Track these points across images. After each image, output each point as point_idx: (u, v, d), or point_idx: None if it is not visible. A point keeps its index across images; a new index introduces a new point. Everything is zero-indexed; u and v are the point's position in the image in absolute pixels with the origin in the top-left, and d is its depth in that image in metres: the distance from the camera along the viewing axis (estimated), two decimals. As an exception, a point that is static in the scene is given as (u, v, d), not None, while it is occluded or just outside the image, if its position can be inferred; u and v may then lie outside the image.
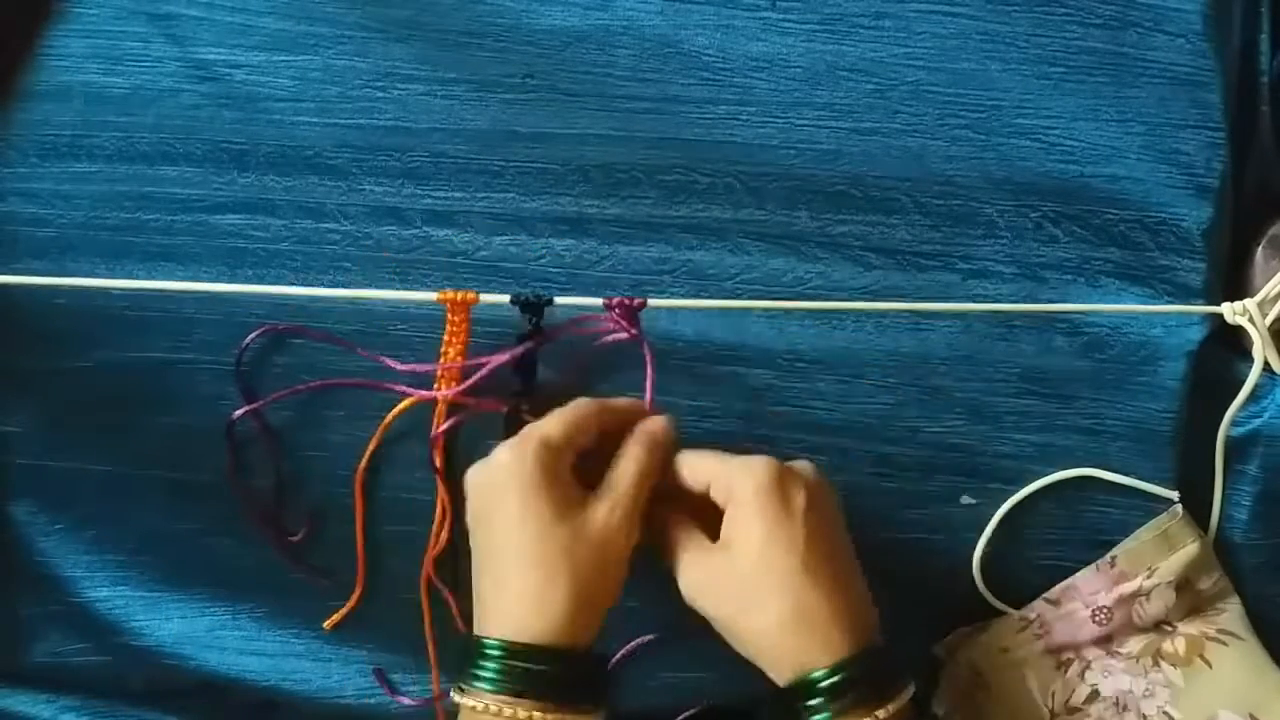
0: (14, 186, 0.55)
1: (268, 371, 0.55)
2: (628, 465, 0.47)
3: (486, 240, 0.54)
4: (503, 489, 0.45)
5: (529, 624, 0.44)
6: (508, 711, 0.42)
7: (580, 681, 0.45)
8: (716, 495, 0.46)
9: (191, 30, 0.54)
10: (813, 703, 0.43)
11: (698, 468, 0.47)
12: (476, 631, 0.45)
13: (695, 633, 0.56)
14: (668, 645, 0.56)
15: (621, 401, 0.50)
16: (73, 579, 0.57)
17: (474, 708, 0.43)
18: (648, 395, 0.50)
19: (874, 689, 0.43)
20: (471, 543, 0.47)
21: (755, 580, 0.44)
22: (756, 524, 0.44)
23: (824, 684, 0.42)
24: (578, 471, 0.47)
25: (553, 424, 0.47)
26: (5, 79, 0.55)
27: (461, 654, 0.45)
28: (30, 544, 0.57)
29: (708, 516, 0.47)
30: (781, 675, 0.44)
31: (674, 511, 0.48)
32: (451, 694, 0.45)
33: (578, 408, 0.48)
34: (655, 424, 0.49)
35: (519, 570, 0.44)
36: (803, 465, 0.47)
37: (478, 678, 0.43)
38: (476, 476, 0.47)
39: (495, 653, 0.43)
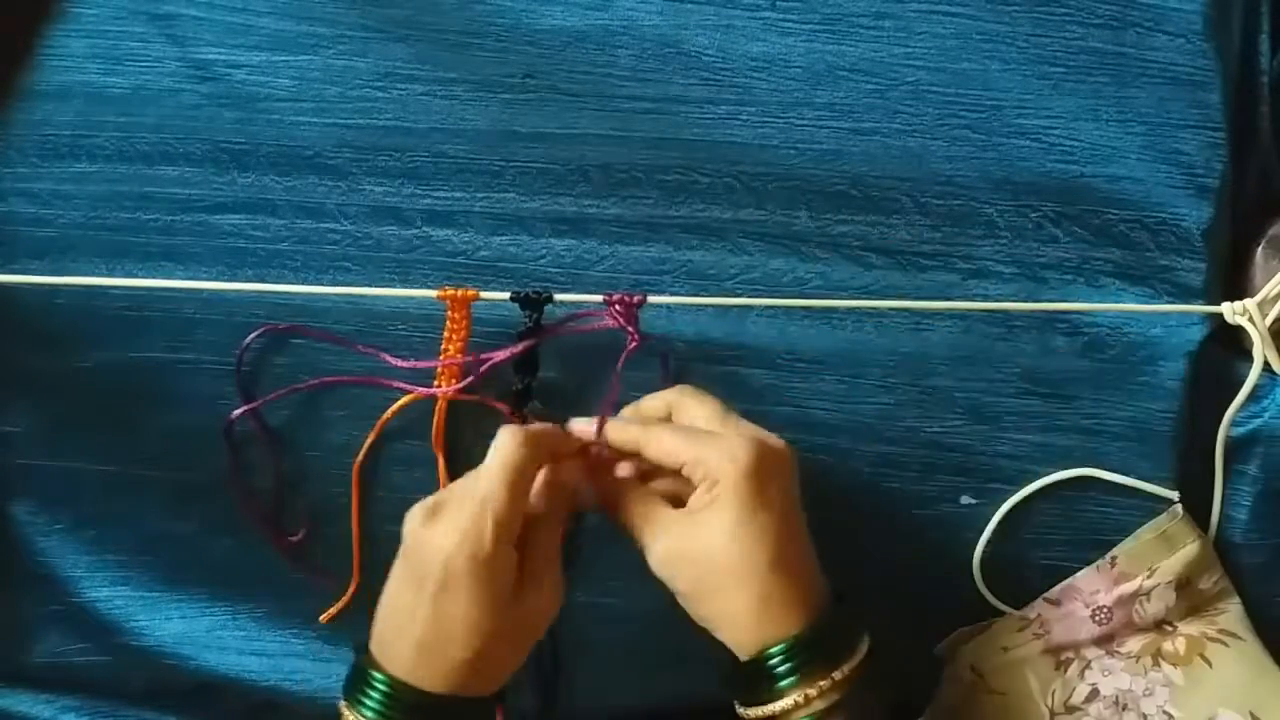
0: (14, 186, 0.55)
1: (268, 372, 0.55)
2: (551, 539, 0.47)
3: (486, 240, 0.54)
4: (448, 566, 0.43)
5: (429, 680, 0.44)
6: None
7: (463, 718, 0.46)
8: (689, 474, 0.46)
9: (191, 30, 0.54)
10: (777, 671, 0.44)
11: (673, 450, 0.46)
12: (375, 656, 0.45)
13: (678, 632, 0.56)
14: (652, 645, 0.56)
15: (552, 442, 0.48)
16: (73, 579, 0.57)
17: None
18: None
19: (828, 654, 0.44)
20: (393, 576, 0.46)
21: (725, 567, 0.45)
22: (731, 509, 0.44)
23: (784, 657, 0.44)
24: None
25: (501, 495, 0.44)
26: (5, 79, 0.55)
27: (354, 675, 0.45)
28: (30, 544, 0.57)
29: (672, 484, 0.48)
30: (743, 651, 0.45)
31: (640, 486, 0.48)
32: (341, 705, 0.45)
33: (518, 469, 0.45)
34: (566, 475, 0.48)
35: (441, 643, 0.44)
36: (775, 442, 0.47)
37: (363, 704, 0.44)
38: (426, 536, 0.44)
39: (383, 688, 0.44)
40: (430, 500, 0.45)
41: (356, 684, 0.45)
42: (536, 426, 0.48)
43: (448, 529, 0.44)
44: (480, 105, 0.54)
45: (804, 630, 0.44)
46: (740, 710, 0.46)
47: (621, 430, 0.48)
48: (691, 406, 0.48)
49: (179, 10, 0.55)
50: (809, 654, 0.44)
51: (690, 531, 0.45)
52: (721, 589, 0.45)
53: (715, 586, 0.45)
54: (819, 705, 0.43)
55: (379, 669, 0.44)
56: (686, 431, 0.47)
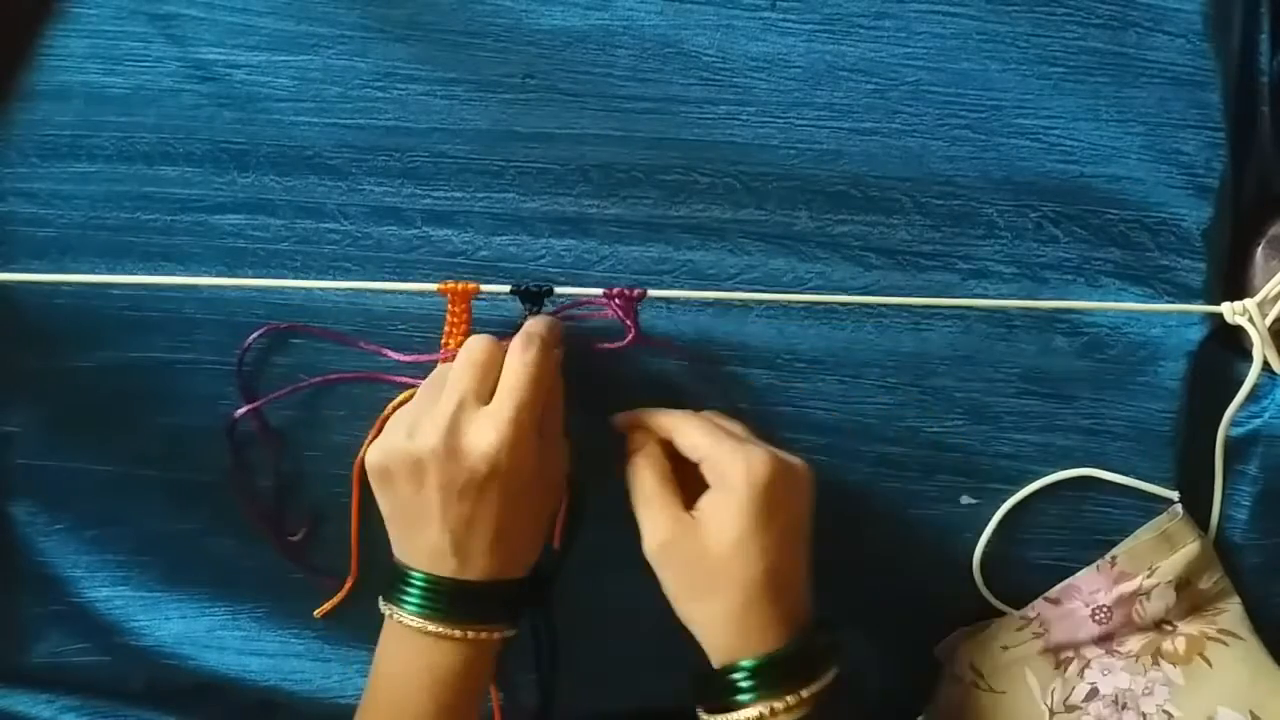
0: (14, 186, 0.55)
1: (268, 372, 0.55)
2: (557, 413, 0.50)
3: (486, 240, 0.54)
4: (494, 465, 0.45)
5: (468, 570, 0.46)
6: (430, 627, 0.46)
7: (503, 603, 0.48)
8: (706, 472, 0.47)
9: (191, 30, 0.54)
10: (740, 685, 0.45)
11: (697, 443, 0.48)
12: (405, 561, 0.47)
13: (677, 633, 0.56)
14: (650, 645, 0.56)
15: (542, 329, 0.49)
16: (73, 579, 0.57)
17: (396, 620, 0.47)
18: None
19: (795, 675, 0.45)
20: (391, 494, 0.47)
21: (718, 573, 0.45)
22: (737, 522, 0.45)
23: (750, 672, 0.45)
24: None
25: (532, 397, 0.46)
26: (5, 79, 0.54)
27: (390, 576, 0.48)
28: (30, 544, 0.57)
29: (687, 472, 0.48)
30: (716, 657, 0.46)
31: (662, 464, 0.48)
32: (380, 604, 0.48)
33: (543, 372, 0.47)
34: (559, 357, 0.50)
35: (480, 537, 0.46)
36: (797, 466, 0.48)
37: (403, 601, 0.47)
38: (465, 443, 0.45)
39: (419, 583, 0.47)
40: (443, 418, 0.46)
41: (396, 585, 0.47)
42: (541, 325, 0.49)
43: (484, 429, 0.45)
44: (480, 105, 0.54)
45: (777, 650, 0.45)
46: (701, 715, 0.47)
47: (655, 415, 0.50)
48: (724, 421, 0.50)
49: (179, 10, 0.55)
50: (776, 673, 0.45)
51: (694, 530, 0.46)
52: (710, 593, 0.46)
53: (705, 589, 0.46)
54: None
55: (408, 567, 0.47)
56: (715, 430, 0.48)
